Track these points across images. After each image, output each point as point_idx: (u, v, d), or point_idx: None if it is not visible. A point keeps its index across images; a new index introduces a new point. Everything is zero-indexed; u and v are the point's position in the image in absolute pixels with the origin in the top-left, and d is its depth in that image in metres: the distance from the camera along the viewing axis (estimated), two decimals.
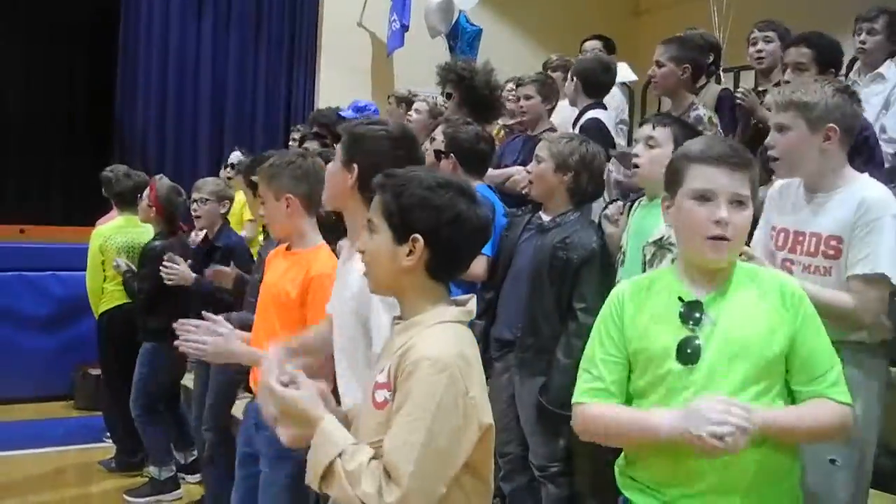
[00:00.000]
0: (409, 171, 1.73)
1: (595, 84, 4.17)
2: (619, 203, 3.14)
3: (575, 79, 4.09)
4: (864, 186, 2.25)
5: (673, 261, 2.41)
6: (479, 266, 3.33)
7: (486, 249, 3.34)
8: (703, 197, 1.72)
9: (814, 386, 1.74)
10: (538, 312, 3.08)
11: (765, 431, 1.64)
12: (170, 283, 3.89)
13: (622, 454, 1.87)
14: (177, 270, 3.87)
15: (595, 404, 1.81)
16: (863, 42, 3.74)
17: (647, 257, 2.68)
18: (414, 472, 1.47)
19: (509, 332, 3.18)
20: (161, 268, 3.91)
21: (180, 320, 2.41)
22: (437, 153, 3.59)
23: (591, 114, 3.99)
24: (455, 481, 1.56)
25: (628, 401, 1.81)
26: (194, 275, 3.90)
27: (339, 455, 1.53)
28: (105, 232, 4.78)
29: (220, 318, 2.45)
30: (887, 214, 2.16)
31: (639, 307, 1.81)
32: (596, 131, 3.86)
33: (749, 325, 1.73)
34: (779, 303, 1.74)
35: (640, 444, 1.79)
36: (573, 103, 4.23)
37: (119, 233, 4.73)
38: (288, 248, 2.73)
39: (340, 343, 2.18)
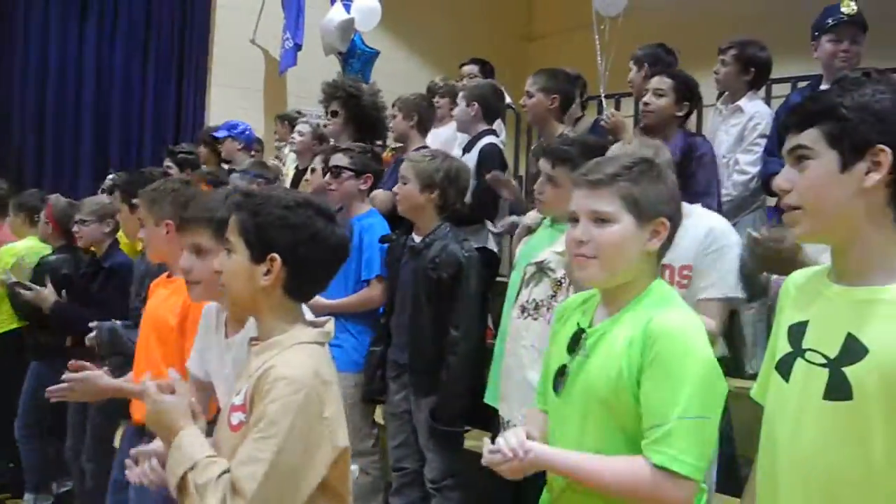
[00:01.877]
0: (266, 189, 1.77)
1: (494, 110, 4.27)
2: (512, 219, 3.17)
3: (476, 104, 4.13)
4: (704, 216, 2.38)
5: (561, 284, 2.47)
6: (375, 289, 3.43)
7: (383, 271, 3.41)
8: (574, 219, 1.70)
9: (643, 438, 1.56)
10: (421, 334, 3.15)
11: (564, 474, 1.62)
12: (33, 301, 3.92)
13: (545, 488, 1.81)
14: (35, 292, 3.91)
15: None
16: (716, 72, 3.92)
17: (526, 277, 2.70)
18: (259, 488, 1.47)
19: (402, 355, 3.24)
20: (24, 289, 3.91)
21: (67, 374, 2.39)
22: (338, 170, 3.55)
23: (488, 139, 4.07)
24: (310, 502, 1.55)
25: None
26: (54, 298, 3.91)
27: (192, 468, 1.52)
28: (18, 251, 4.56)
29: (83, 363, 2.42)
30: (731, 242, 2.31)
31: (562, 326, 1.80)
32: (496, 156, 3.99)
33: (605, 364, 1.63)
34: (640, 340, 1.60)
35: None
36: (466, 129, 4.26)
37: (30, 253, 4.51)
38: (169, 276, 2.68)
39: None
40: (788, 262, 1.95)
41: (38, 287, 3.95)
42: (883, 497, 1.29)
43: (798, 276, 1.55)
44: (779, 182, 1.43)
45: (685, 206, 2.30)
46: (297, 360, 1.58)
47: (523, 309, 2.62)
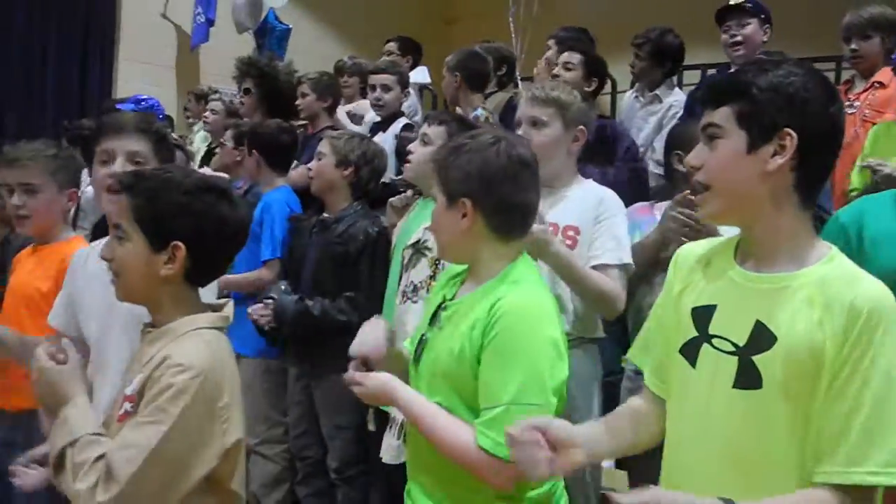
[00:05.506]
0: (162, 172, 1.63)
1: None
2: (409, 193, 3.10)
3: (411, 91, 4.23)
4: (596, 187, 2.43)
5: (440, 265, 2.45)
6: (267, 271, 3.36)
7: (277, 252, 3.34)
8: None
9: (479, 416, 1.59)
10: None
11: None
12: None
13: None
14: None
15: None
16: (632, 65, 4.00)
17: (405, 261, 2.68)
18: (135, 473, 1.40)
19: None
20: None
21: None
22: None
23: (404, 120, 4.11)
24: (198, 492, 1.48)
25: None
26: None
27: (72, 444, 1.43)
28: None
29: None
30: (622, 212, 2.37)
31: (433, 296, 1.81)
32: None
33: (451, 339, 1.65)
34: (484, 320, 1.61)
35: None
36: (396, 112, 4.22)
37: None
38: (36, 246, 2.55)
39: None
40: (706, 232, 1.97)
41: None
42: (783, 475, 1.31)
43: (693, 250, 1.52)
44: (689, 159, 1.42)
45: (579, 177, 2.42)
46: (193, 347, 1.51)
47: (403, 294, 2.60)
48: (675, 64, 3.95)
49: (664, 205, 2.47)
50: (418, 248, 2.59)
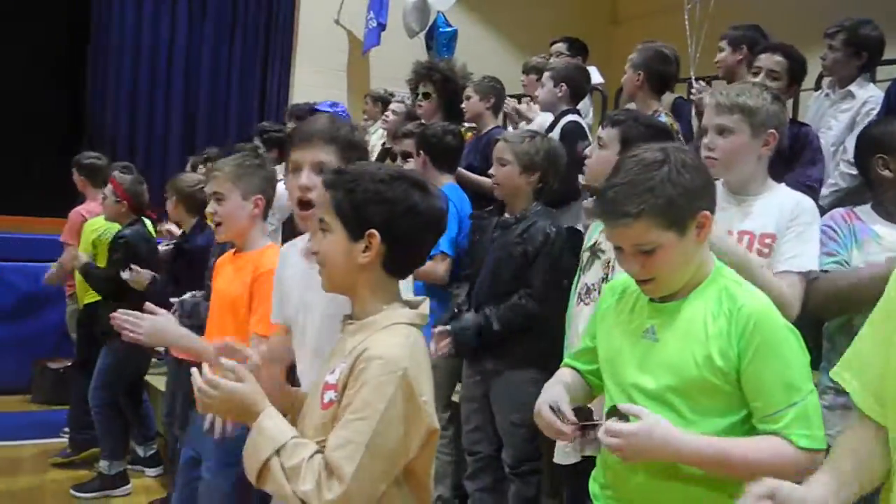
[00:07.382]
0: (358, 166, 1.70)
1: (581, 90, 4.28)
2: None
3: (564, 85, 4.12)
4: (789, 192, 2.33)
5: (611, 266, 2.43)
6: (441, 267, 3.39)
7: (448, 249, 3.37)
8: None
9: (769, 425, 1.58)
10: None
11: (681, 457, 1.58)
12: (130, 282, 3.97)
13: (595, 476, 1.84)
14: (137, 275, 3.95)
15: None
16: (823, 58, 3.76)
17: (582, 263, 2.65)
18: (356, 470, 1.45)
19: None
20: (127, 270, 3.97)
21: (117, 311, 2.31)
22: (405, 154, 3.59)
23: (571, 118, 4.03)
24: (395, 483, 1.54)
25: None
26: (150, 275, 3.95)
27: (278, 451, 1.50)
28: (99, 224, 4.68)
29: (163, 311, 2.38)
30: (816, 221, 2.27)
31: (619, 300, 1.79)
32: (578, 133, 3.93)
33: (685, 346, 1.62)
34: (725, 325, 1.60)
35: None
36: (551, 109, 4.24)
37: (113, 226, 4.57)
38: (236, 253, 2.70)
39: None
40: None
41: (136, 268, 3.97)
42: None
43: None
44: None
45: (770, 182, 2.33)
46: (394, 341, 1.55)
47: (579, 297, 2.57)
48: (871, 57, 3.67)
49: (866, 209, 2.36)
50: (594, 251, 2.55)
